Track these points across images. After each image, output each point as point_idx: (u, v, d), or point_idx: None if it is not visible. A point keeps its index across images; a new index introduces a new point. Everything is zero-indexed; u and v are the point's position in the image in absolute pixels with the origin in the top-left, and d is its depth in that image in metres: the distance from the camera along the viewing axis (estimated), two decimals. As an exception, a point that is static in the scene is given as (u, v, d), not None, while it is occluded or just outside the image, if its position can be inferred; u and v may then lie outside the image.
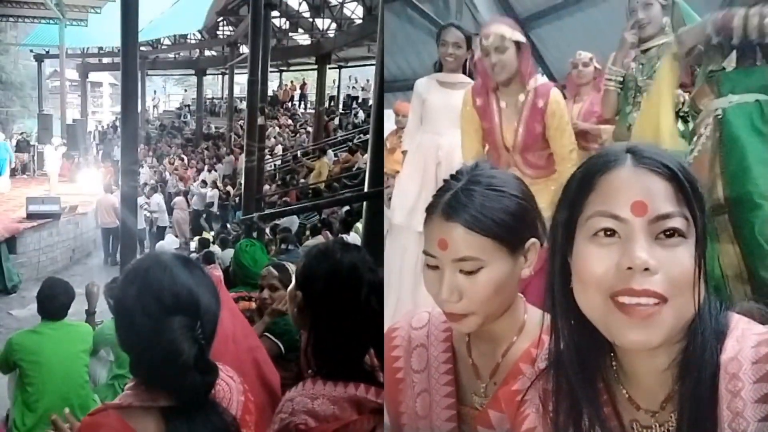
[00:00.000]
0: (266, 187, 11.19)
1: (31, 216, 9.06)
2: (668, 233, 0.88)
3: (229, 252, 8.05)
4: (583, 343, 0.98)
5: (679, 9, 2.85)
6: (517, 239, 1.22)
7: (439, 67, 3.52)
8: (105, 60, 19.92)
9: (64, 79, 16.12)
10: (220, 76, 19.90)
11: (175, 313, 1.23)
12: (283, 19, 16.72)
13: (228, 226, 10.76)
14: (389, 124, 4.76)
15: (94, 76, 20.03)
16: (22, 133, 16.67)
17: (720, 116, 2.40)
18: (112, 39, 15.54)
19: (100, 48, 18.94)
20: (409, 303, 3.10)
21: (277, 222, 9.01)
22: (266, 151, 11.93)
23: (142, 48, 14.76)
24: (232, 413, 1.34)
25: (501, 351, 1.30)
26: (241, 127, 14.42)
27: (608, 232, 0.90)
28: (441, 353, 1.37)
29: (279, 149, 13.49)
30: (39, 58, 17.36)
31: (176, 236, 10.69)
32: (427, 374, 1.37)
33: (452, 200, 1.20)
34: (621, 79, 3.00)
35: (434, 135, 3.45)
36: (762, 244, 2.22)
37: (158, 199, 11.56)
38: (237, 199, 11.67)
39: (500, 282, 1.20)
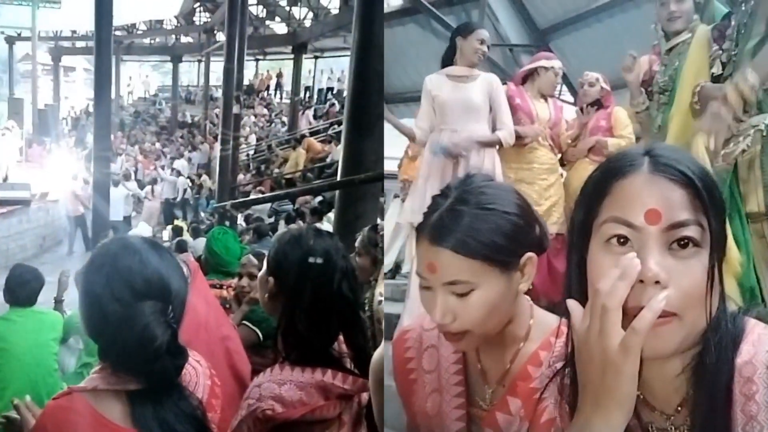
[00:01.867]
0: (240, 176, 11.20)
1: (0, 202, 8.94)
2: (682, 243, 0.87)
3: (201, 241, 7.99)
4: None
5: (712, 5, 2.87)
6: (511, 258, 1.19)
7: (444, 64, 3.62)
8: (79, 44, 19.58)
9: (36, 63, 15.89)
10: (196, 63, 19.73)
11: (146, 297, 1.22)
12: (260, 7, 16.59)
13: (201, 214, 10.75)
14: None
15: (67, 60, 19.69)
16: (-9, 120, 16.47)
17: (763, 131, 2.32)
18: (86, 22, 15.34)
19: (74, 32, 18.62)
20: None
21: (250, 212, 9.06)
22: (241, 140, 11.92)
23: (116, 32, 14.60)
24: (198, 397, 1.34)
25: (509, 356, 1.29)
26: (217, 115, 14.38)
27: (621, 240, 0.89)
28: (451, 354, 1.37)
29: (253, 138, 13.48)
30: (10, 41, 17.03)
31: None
32: (437, 374, 1.37)
33: (438, 223, 1.17)
34: (646, 107, 3.05)
35: (451, 132, 3.48)
36: None
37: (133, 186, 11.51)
38: (210, 188, 11.68)
39: (494, 302, 1.18)
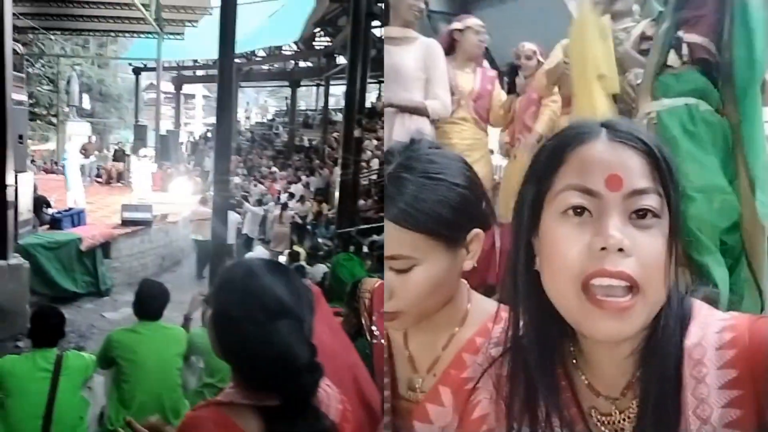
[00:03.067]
0: (361, 201, 11.10)
1: (125, 223, 9.38)
2: (641, 213, 0.86)
3: (319, 267, 7.99)
4: (543, 328, 0.96)
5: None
6: (457, 233, 1.14)
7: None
8: (199, 72, 20.75)
9: (160, 92, 16.83)
10: (314, 88, 20.28)
11: (281, 317, 1.23)
12: (383, 30, 16.80)
13: (320, 240, 10.74)
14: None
15: (188, 88, 20.88)
16: (118, 143, 17.52)
17: (654, 118, 2.65)
18: (207, 52, 16.17)
19: (195, 61, 19.76)
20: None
21: (373, 238, 8.90)
22: (362, 164, 11.85)
23: (236, 60, 15.20)
24: (331, 419, 1.35)
25: (441, 342, 1.24)
26: (336, 139, 14.49)
27: (578, 210, 0.87)
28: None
29: (376, 163, 13.42)
30: (136, 71, 18.36)
31: (270, 249, 10.77)
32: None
33: None
34: None
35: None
36: (694, 232, 2.43)
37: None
38: (330, 213, 11.67)
39: (436, 280, 1.13)
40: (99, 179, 14.30)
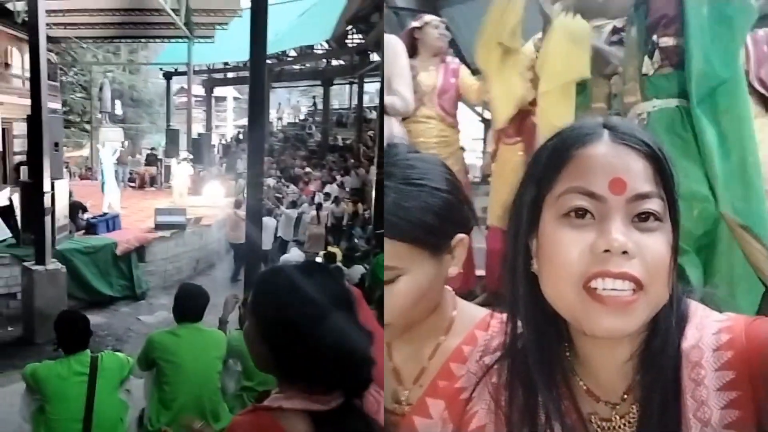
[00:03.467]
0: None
1: (158, 227, 9.52)
2: (644, 216, 0.87)
3: (356, 269, 7.95)
4: (542, 331, 0.96)
5: None
6: (442, 239, 1.13)
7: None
8: (230, 74, 20.92)
9: (191, 95, 16.99)
10: (347, 86, 20.29)
11: (332, 311, 1.22)
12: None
13: (356, 241, 10.73)
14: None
15: (219, 91, 21.05)
16: (151, 148, 17.77)
17: (644, 119, 2.65)
18: (237, 54, 16.29)
19: (226, 63, 19.94)
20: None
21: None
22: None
23: (267, 61, 15.27)
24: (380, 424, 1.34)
25: (427, 352, 1.22)
26: (371, 137, 14.44)
27: (581, 212, 0.87)
28: None
29: (413, 160, 13.32)
30: (167, 76, 18.60)
31: (305, 250, 10.78)
32: None
33: None
34: None
35: None
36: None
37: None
38: (366, 213, 11.65)
39: (422, 289, 1.12)
40: (132, 184, 14.52)
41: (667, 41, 2.62)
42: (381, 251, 8.15)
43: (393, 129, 3.37)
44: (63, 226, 8.04)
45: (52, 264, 6.98)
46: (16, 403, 3.72)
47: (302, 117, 22.23)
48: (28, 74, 8.30)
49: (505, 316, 1.09)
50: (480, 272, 3.88)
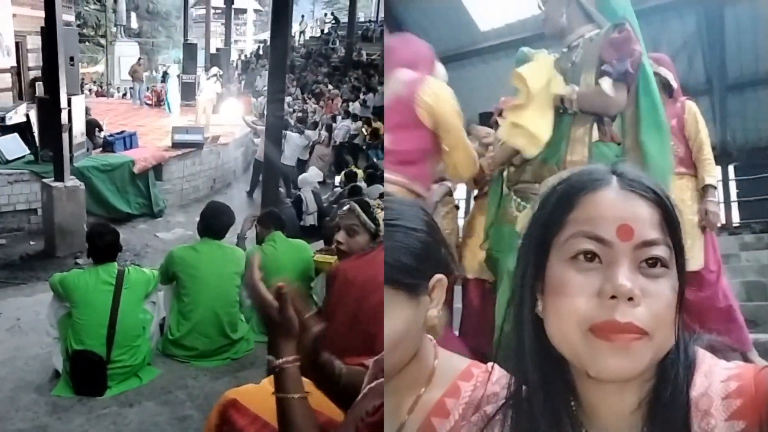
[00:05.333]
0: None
1: (175, 145, 9.77)
2: (651, 262, 0.89)
3: (376, 188, 8.15)
4: (548, 379, 0.97)
5: None
6: (419, 280, 1.11)
7: None
8: (250, -17, 20.59)
9: (209, 7, 16.85)
10: (374, -3, 19.85)
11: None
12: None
13: (376, 161, 10.88)
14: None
15: (239, 2, 20.72)
16: (167, 66, 17.84)
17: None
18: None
19: (246, -28, 19.62)
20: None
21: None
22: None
23: (288, -30, 15.07)
24: None
25: (406, 406, 1.16)
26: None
27: (588, 256, 0.90)
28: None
29: (442, 75, 13.25)
30: (184, -15, 18.30)
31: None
32: None
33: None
34: None
35: None
36: None
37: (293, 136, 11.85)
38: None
39: (400, 334, 1.09)
40: (148, 102, 14.75)
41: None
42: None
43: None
44: (80, 144, 8.21)
45: (71, 181, 7.20)
46: (41, 311, 4.11)
47: (326, 30, 21.91)
48: (40, -16, 8.09)
49: (489, 365, 1.14)
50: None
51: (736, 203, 8.76)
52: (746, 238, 7.67)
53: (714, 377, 0.92)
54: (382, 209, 3.73)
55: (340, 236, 2.79)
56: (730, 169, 9.07)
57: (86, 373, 3.58)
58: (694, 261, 3.34)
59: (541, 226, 0.96)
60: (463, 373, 1.15)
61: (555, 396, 0.96)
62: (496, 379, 1.08)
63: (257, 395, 1.57)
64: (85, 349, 3.57)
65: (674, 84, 3.67)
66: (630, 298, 0.86)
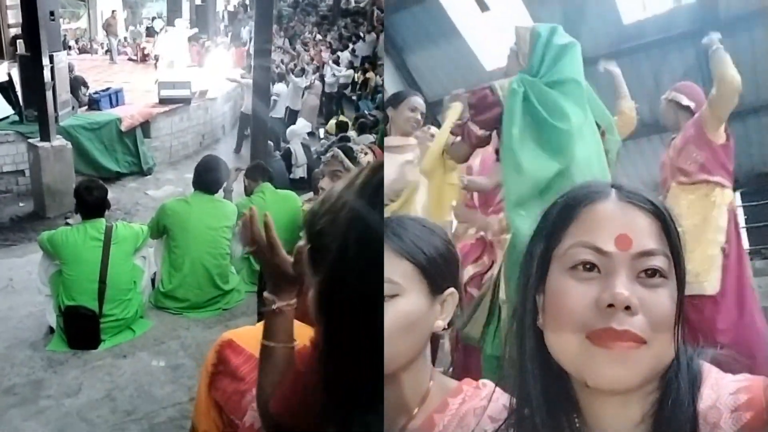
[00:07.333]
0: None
1: (163, 101, 9.71)
2: (649, 273, 0.92)
3: (366, 137, 8.22)
4: (551, 393, 0.99)
5: None
6: (441, 280, 1.19)
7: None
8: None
9: (194, -45, 16.56)
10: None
11: None
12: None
13: (366, 110, 10.89)
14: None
15: (224, -50, 20.31)
16: (152, 18, 17.62)
17: None
18: None
19: None
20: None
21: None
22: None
23: None
24: None
25: (398, 426, 1.19)
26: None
27: (587, 266, 0.94)
28: None
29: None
30: (169, -68, 17.92)
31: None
32: None
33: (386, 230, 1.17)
34: None
35: None
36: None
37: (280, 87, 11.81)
38: (378, 80, 11.73)
39: (411, 319, 1.14)
40: (134, 57, 14.62)
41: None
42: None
43: None
44: (65, 102, 8.16)
45: (57, 140, 7.20)
46: (33, 271, 4.23)
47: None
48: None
49: (480, 382, 1.20)
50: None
51: (745, 230, 8.78)
52: (757, 264, 7.66)
53: (722, 390, 0.94)
54: (365, 154, 3.81)
55: (325, 183, 2.86)
56: (737, 195, 9.11)
57: (79, 328, 3.72)
58: (710, 284, 3.41)
59: (543, 237, 1.00)
60: (453, 390, 1.20)
61: (557, 411, 0.98)
62: (492, 396, 1.12)
63: (254, 336, 1.65)
64: (77, 304, 3.71)
65: (689, 104, 3.82)
66: (627, 307, 0.89)
